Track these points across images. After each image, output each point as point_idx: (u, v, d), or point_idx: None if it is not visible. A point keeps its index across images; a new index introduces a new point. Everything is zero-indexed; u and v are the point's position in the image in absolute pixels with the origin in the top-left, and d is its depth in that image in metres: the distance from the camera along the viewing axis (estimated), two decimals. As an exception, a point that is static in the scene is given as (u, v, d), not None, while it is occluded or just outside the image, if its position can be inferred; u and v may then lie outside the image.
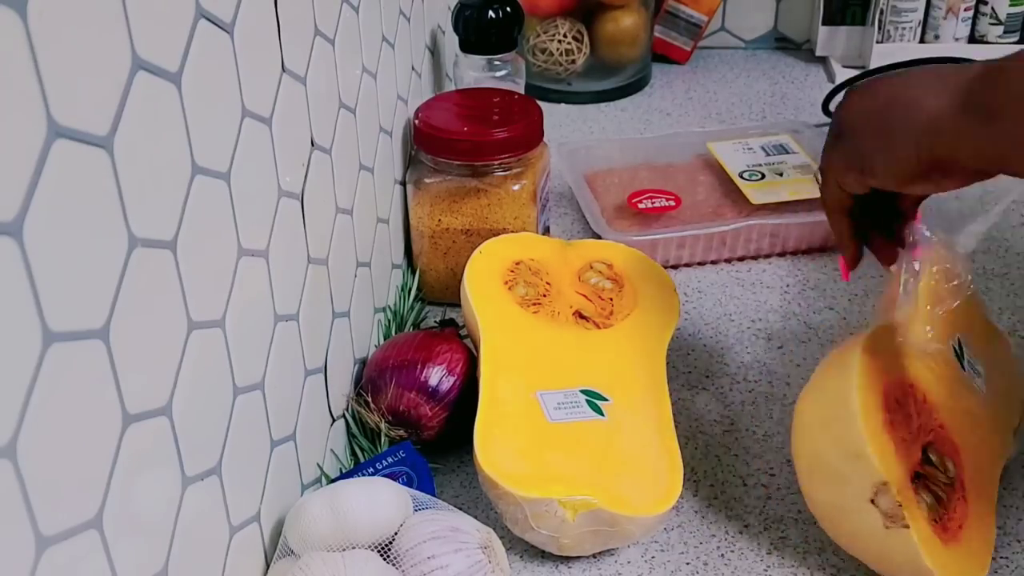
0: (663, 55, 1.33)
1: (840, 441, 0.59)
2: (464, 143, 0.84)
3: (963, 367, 0.66)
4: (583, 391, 0.68)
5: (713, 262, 0.94)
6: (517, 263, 0.78)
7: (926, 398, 0.63)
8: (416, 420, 0.70)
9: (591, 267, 0.80)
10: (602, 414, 0.67)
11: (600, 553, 0.65)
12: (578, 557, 0.65)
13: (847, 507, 0.59)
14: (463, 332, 0.78)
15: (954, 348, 0.66)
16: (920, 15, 1.25)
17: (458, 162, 0.84)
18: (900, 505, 0.57)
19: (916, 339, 0.63)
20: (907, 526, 0.57)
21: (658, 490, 0.63)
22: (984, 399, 0.66)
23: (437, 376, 0.71)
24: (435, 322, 0.81)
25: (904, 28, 1.25)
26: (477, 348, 0.73)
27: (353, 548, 0.57)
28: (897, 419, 0.60)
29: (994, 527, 0.63)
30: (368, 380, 0.72)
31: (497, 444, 0.64)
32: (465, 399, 0.70)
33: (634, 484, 0.63)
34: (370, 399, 0.71)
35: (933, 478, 0.61)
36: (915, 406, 0.62)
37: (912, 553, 0.57)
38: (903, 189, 0.62)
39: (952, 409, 0.64)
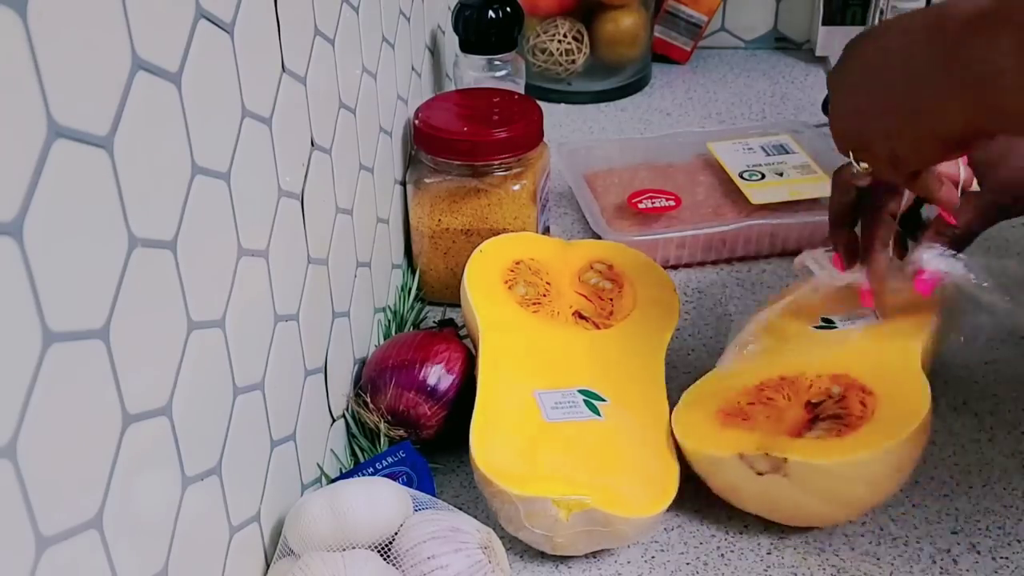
0: (663, 55, 1.33)
1: (707, 469, 0.66)
2: (464, 143, 0.84)
3: (835, 327, 0.73)
4: (581, 391, 0.68)
5: (713, 262, 0.94)
6: (517, 263, 0.78)
7: (782, 377, 0.69)
8: (415, 420, 0.70)
9: (591, 267, 0.80)
10: (599, 414, 0.67)
11: (600, 553, 0.65)
12: (578, 557, 0.65)
13: (760, 492, 0.64)
14: (462, 332, 0.78)
15: (818, 327, 0.73)
16: (920, 15, 1.25)
17: (458, 162, 0.84)
18: (766, 453, 0.62)
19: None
20: (785, 459, 0.61)
21: (653, 491, 0.63)
22: (881, 321, 0.72)
23: (436, 375, 0.71)
24: (434, 322, 0.81)
25: (904, 28, 1.25)
26: (476, 347, 0.73)
27: (353, 548, 0.57)
28: (753, 411, 0.67)
29: (919, 382, 0.65)
30: (367, 380, 0.72)
31: (493, 442, 0.64)
32: (464, 398, 0.70)
33: (629, 485, 0.63)
34: (369, 399, 0.71)
35: (823, 411, 0.66)
36: (773, 390, 0.68)
37: (813, 468, 0.61)
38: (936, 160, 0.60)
39: (823, 357, 0.70)
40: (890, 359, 0.68)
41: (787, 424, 0.65)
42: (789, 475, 0.62)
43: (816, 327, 0.74)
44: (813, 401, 0.67)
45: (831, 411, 0.65)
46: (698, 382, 0.72)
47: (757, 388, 0.69)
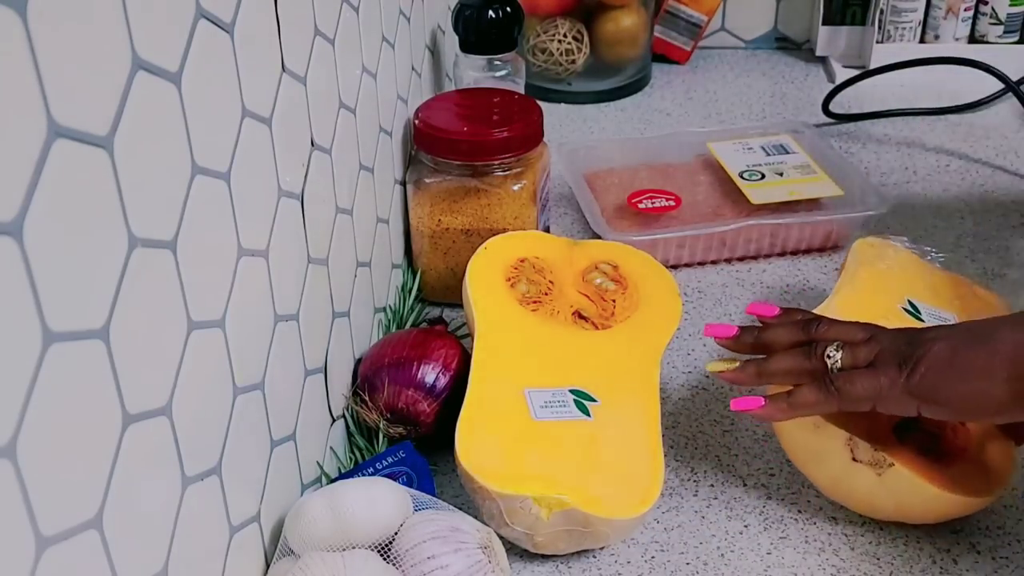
0: (663, 55, 1.33)
1: (801, 423, 0.65)
2: (464, 143, 0.84)
3: (922, 320, 0.72)
4: (572, 391, 0.68)
5: (713, 262, 0.94)
6: (521, 260, 0.78)
7: None
8: (414, 417, 0.70)
9: (596, 267, 0.79)
10: (588, 415, 0.67)
11: (600, 553, 0.65)
12: (578, 557, 0.65)
13: (842, 474, 0.64)
14: (461, 331, 0.78)
15: (905, 310, 0.72)
16: (920, 15, 1.25)
17: (458, 162, 0.84)
18: (876, 449, 0.62)
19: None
20: (891, 464, 0.61)
21: (635, 494, 0.63)
22: None
23: (433, 373, 0.71)
24: (426, 322, 0.81)
25: (904, 28, 1.25)
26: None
27: (353, 548, 0.57)
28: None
29: (1004, 438, 0.65)
30: (364, 379, 0.72)
31: (478, 439, 0.64)
32: (462, 396, 0.70)
33: (612, 486, 0.63)
34: (367, 397, 0.71)
35: (920, 420, 0.63)
36: None
37: (912, 483, 0.61)
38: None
39: None
40: None
41: (886, 415, 0.63)
42: (883, 476, 0.62)
43: (904, 308, 0.73)
44: None
45: (926, 425, 0.65)
46: None
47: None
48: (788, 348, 0.64)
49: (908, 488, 0.62)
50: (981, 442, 0.65)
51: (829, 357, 0.61)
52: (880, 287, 0.75)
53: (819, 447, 0.65)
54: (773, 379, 0.64)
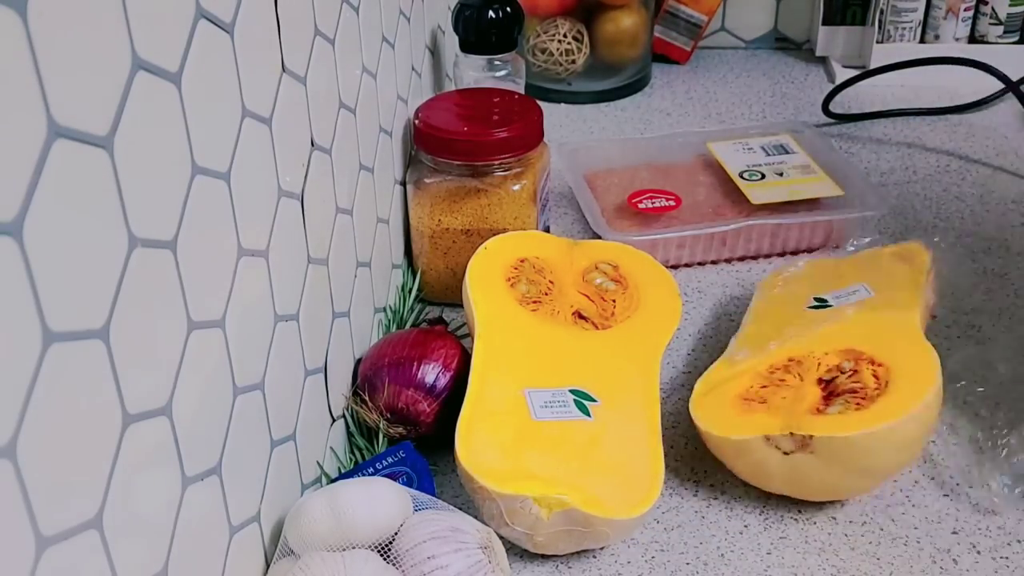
0: (663, 55, 1.33)
1: (732, 454, 0.68)
2: (464, 143, 0.84)
3: (830, 305, 0.76)
4: (572, 391, 0.68)
5: (713, 262, 0.94)
6: (522, 260, 0.78)
7: (790, 358, 0.71)
8: (415, 416, 0.70)
9: (596, 267, 0.80)
10: (588, 415, 0.67)
11: (600, 553, 0.65)
12: (578, 557, 0.65)
13: (788, 471, 0.65)
14: (461, 330, 0.78)
15: (811, 307, 0.77)
16: (920, 15, 1.25)
17: (458, 162, 0.84)
18: (791, 433, 0.64)
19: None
20: (811, 436, 0.63)
21: (635, 493, 0.63)
22: (873, 296, 0.76)
23: (433, 373, 0.71)
24: (426, 322, 0.81)
25: (904, 28, 1.25)
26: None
27: (353, 548, 0.57)
28: (767, 394, 0.69)
29: (927, 351, 0.68)
30: (364, 379, 0.72)
31: (478, 439, 0.64)
32: (462, 396, 0.70)
33: (612, 486, 0.63)
34: (367, 397, 0.71)
35: (837, 386, 0.68)
36: (784, 371, 0.70)
37: (839, 442, 0.63)
38: None
39: (828, 334, 0.72)
40: (892, 330, 0.71)
41: (805, 403, 0.67)
42: (816, 451, 0.63)
43: (810, 307, 0.77)
44: (825, 378, 0.69)
45: (846, 386, 0.67)
46: (707, 372, 0.74)
47: (768, 372, 0.71)
48: None
49: (840, 448, 0.63)
50: (902, 371, 0.66)
51: None
52: (780, 306, 0.79)
53: (754, 462, 0.66)
54: None
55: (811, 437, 0.63)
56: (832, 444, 0.63)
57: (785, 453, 0.65)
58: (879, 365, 0.68)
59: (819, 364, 0.70)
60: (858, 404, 0.65)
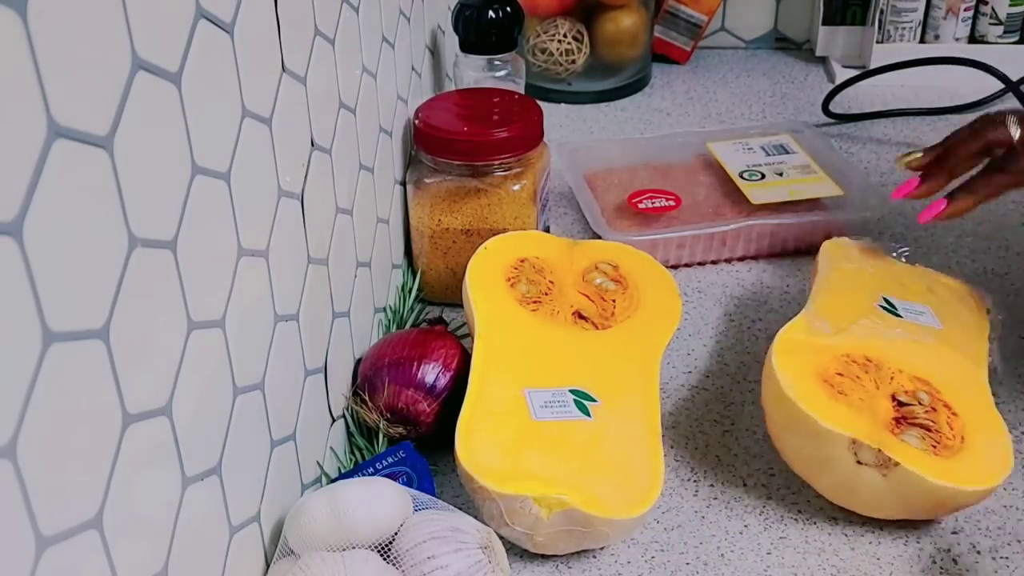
0: (663, 55, 1.33)
1: (800, 432, 0.65)
2: (464, 143, 0.84)
3: (899, 315, 0.74)
4: (572, 391, 0.68)
5: (713, 262, 0.94)
6: (522, 260, 0.78)
7: (868, 358, 0.69)
8: (414, 416, 0.70)
9: (596, 267, 0.80)
10: (588, 415, 0.67)
11: (600, 553, 0.65)
12: (578, 557, 0.65)
13: (847, 478, 0.64)
14: (461, 330, 0.78)
15: (882, 307, 0.75)
16: (920, 15, 1.25)
17: (458, 162, 0.84)
18: (880, 450, 0.62)
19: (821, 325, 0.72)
20: (897, 463, 0.62)
21: (635, 493, 0.63)
22: (942, 328, 0.74)
23: (433, 373, 0.71)
24: (426, 322, 0.81)
25: (904, 28, 1.25)
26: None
27: (353, 548, 0.57)
28: (845, 386, 0.67)
29: (999, 420, 0.67)
30: (364, 379, 0.72)
31: (478, 439, 0.64)
32: (462, 396, 0.70)
33: (612, 486, 0.63)
34: (367, 397, 0.71)
35: (912, 415, 0.66)
36: (860, 369, 0.69)
37: (918, 481, 0.62)
38: None
39: (904, 350, 0.71)
40: (965, 380, 0.70)
41: (879, 414, 0.65)
42: (888, 476, 0.63)
43: (881, 306, 0.75)
44: (900, 399, 0.67)
45: (922, 419, 0.66)
46: (788, 327, 0.71)
47: (845, 360, 0.69)
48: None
49: (914, 485, 0.62)
50: (976, 432, 0.66)
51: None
52: (855, 286, 0.77)
53: (821, 454, 0.64)
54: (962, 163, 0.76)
55: (897, 464, 0.62)
56: (910, 478, 0.62)
57: (859, 462, 0.63)
58: (954, 414, 0.67)
59: (892, 378, 0.68)
60: (934, 446, 0.64)
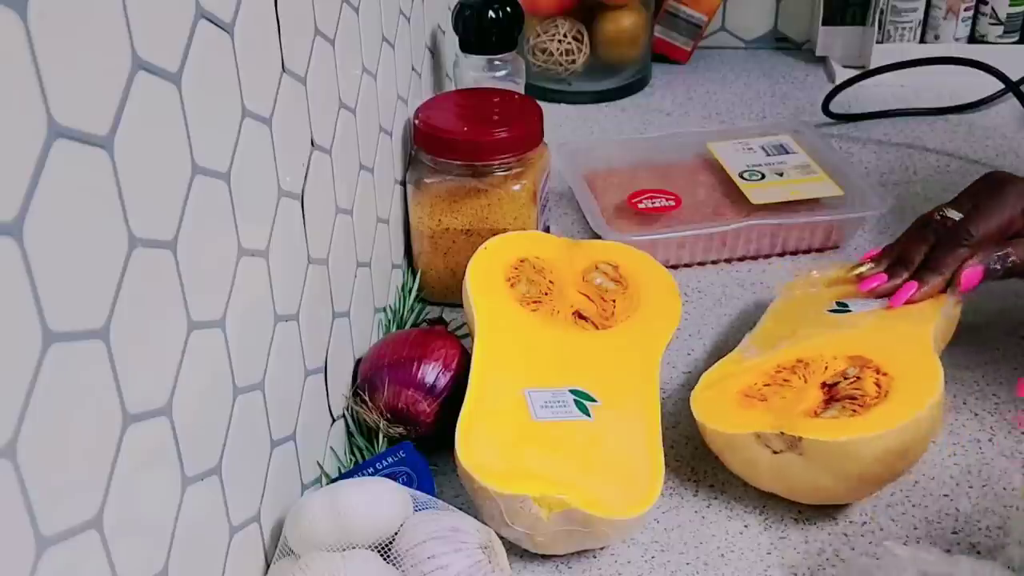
0: (663, 55, 1.33)
1: (722, 446, 0.68)
2: (464, 143, 0.84)
3: (851, 311, 0.76)
4: (572, 391, 0.68)
5: (713, 262, 0.94)
6: (522, 260, 0.78)
7: (799, 359, 0.71)
8: (414, 417, 0.70)
9: (596, 268, 0.80)
10: (588, 415, 0.67)
11: (600, 553, 0.65)
12: (578, 557, 0.65)
13: (775, 470, 0.65)
14: (461, 330, 0.78)
15: (832, 310, 0.77)
16: (920, 15, 1.25)
17: (458, 162, 0.84)
18: (782, 432, 0.64)
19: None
20: (800, 437, 0.63)
21: (635, 493, 0.63)
22: (891, 311, 0.76)
23: (433, 373, 0.71)
24: (426, 322, 0.81)
25: (904, 28, 1.25)
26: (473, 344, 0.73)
27: (353, 548, 0.57)
28: (768, 393, 0.69)
29: (932, 367, 0.68)
30: (364, 379, 0.72)
31: (478, 439, 0.64)
32: (462, 396, 0.70)
33: (612, 486, 0.63)
34: (367, 397, 0.71)
35: (841, 391, 0.68)
36: (790, 372, 0.70)
37: (825, 446, 0.63)
38: None
39: (840, 339, 0.72)
40: (904, 341, 0.71)
41: (804, 405, 0.67)
42: (804, 453, 0.63)
43: (831, 311, 0.77)
44: (829, 382, 0.69)
45: (847, 392, 0.67)
46: (717, 364, 0.74)
47: (775, 371, 0.71)
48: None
49: (826, 451, 0.63)
50: (903, 383, 0.66)
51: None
52: (799, 307, 0.79)
53: (743, 457, 0.67)
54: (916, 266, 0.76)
55: (800, 439, 0.63)
56: (819, 447, 0.63)
57: (774, 452, 0.65)
58: (883, 375, 0.67)
59: (826, 368, 0.70)
60: (854, 411, 0.65)
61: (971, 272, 0.75)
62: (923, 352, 0.70)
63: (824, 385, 0.68)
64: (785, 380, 0.70)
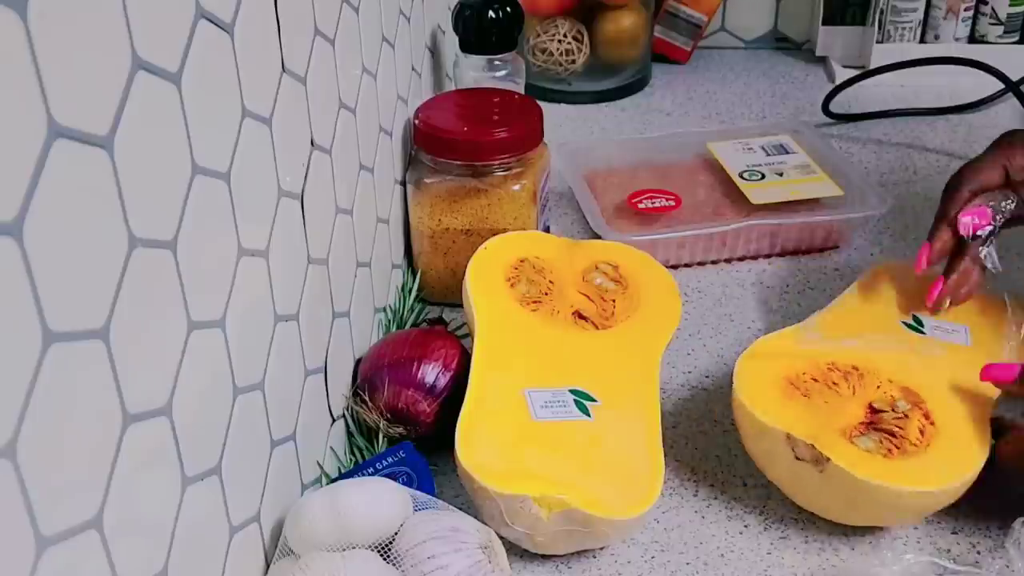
0: (663, 55, 1.33)
1: (746, 425, 0.67)
2: (464, 143, 0.84)
3: (923, 332, 0.74)
4: (572, 391, 0.68)
5: (713, 262, 0.94)
6: (522, 260, 0.78)
7: (855, 367, 0.69)
8: (414, 417, 0.70)
9: (596, 268, 0.79)
10: (588, 415, 0.67)
11: (600, 553, 0.65)
12: (578, 557, 0.65)
13: (789, 472, 0.65)
14: (461, 330, 0.78)
15: (907, 324, 0.75)
16: (920, 15, 1.25)
17: (458, 162, 0.84)
18: (813, 446, 0.62)
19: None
20: (828, 459, 0.62)
21: (635, 493, 0.63)
22: (969, 346, 0.74)
23: (433, 373, 0.71)
24: (426, 322, 0.81)
25: (904, 28, 1.25)
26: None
27: (353, 548, 0.57)
28: (812, 389, 0.67)
29: (981, 435, 0.65)
30: (364, 379, 0.72)
31: (479, 439, 0.64)
32: (462, 396, 0.70)
33: (612, 486, 0.63)
34: (367, 397, 0.71)
35: (880, 420, 0.66)
36: (841, 376, 0.69)
37: (847, 477, 0.61)
38: None
39: (903, 363, 0.70)
40: (963, 395, 0.68)
41: (844, 420, 0.65)
42: (825, 472, 0.62)
43: (905, 323, 0.75)
44: (876, 406, 0.67)
45: (889, 425, 0.65)
46: (775, 334, 0.73)
47: (827, 368, 0.69)
48: None
49: (845, 482, 0.62)
50: (948, 441, 0.65)
51: None
52: (877, 304, 0.77)
53: (763, 448, 0.66)
54: None
55: (828, 459, 0.62)
56: (842, 476, 0.61)
57: (798, 459, 0.64)
58: (931, 423, 0.65)
59: (878, 387, 0.68)
60: (888, 451, 0.64)
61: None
62: (979, 415, 0.66)
63: (871, 406, 0.67)
64: (834, 383, 0.68)
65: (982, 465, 0.64)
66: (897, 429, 0.65)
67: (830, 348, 0.71)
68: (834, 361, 0.70)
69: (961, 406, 0.67)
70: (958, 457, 0.64)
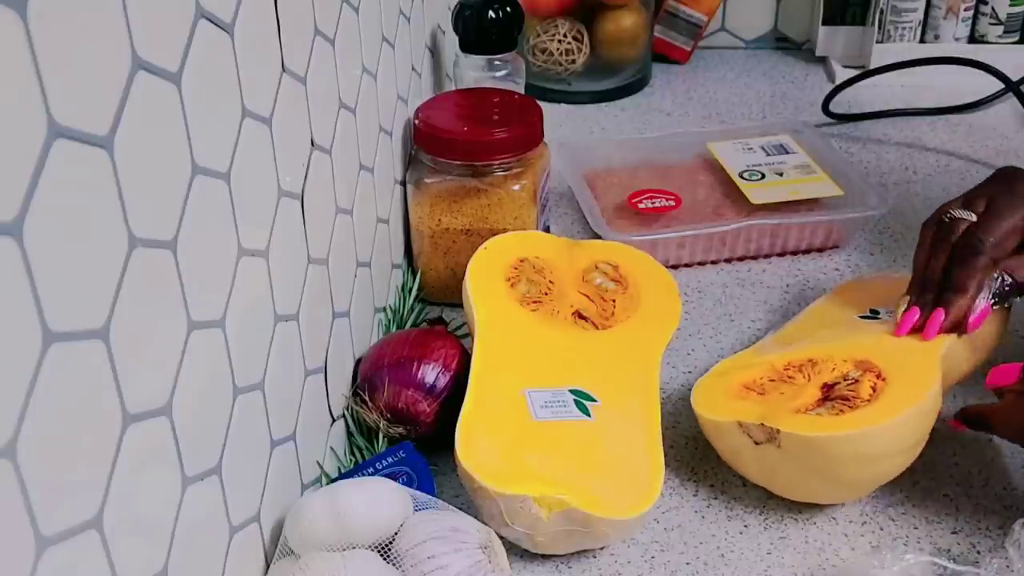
0: (663, 55, 1.33)
1: (711, 432, 0.70)
2: (464, 143, 0.84)
3: (880, 318, 0.75)
4: (572, 391, 0.68)
5: (713, 262, 0.94)
6: (521, 260, 0.78)
7: (810, 359, 0.70)
8: (414, 417, 0.70)
9: (596, 268, 0.80)
10: (588, 415, 0.67)
11: (600, 553, 0.65)
12: (578, 557, 0.65)
13: (756, 460, 0.66)
14: (461, 330, 0.78)
15: (863, 316, 0.76)
16: (920, 15, 1.25)
17: (458, 162, 0.84)
18: (763, 423, 0.64)
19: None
20: (779, 430, 0.63)
21: (635, 493, 0.63)
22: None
23: (433, 373, 0.71)
24: (426, 322, 0.81)
25: (904, 28, 1.25)
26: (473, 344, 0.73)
27: (353, 548, 0.57)
28: (768, 387, 0.69)
29: (930, 376, 0.67)
30: (364, 379, 0.72)
31: (479, 439, 0.64)
32: (462, 396, 0.70)
33: (612, 486, 0.63)
34: (367, 397, 0.71)
35: (837, 391, 0.67)
36: (796, 370, 0.70)
37: (800, 440, 0.63)
38: None
39: (855, 342, 0.71)
40: (913, 348, 0.69)
41: (798, 401, 0.67)
42: (782, 446, 0.64)
43: (862, 316, 0.76)
44: (830, 383, 0.68)
45: (841, 392, 0.67)
46: (734, 355, 0.76)
47: (784, 367, 0.71)
48: None
49: (801, 445, 0.63)
50: (896, 388, 0.66)
51: None
52: (832, 312, 0.79)
53: (727, 445, 0.68)
54: None
55: (778, 431, 0.64)
56: (794, 441, 0.63)
57: (756, 443, 0.65)
58: (882, 379, 0.67)
59: (833, 369, 0.69)
60: (840, 411, 0.65)
61: (977, 318, 0.70)
62: (926, 359, 0.68)
63: (824, 385, 0.68)
64: (790, 377, 0.70)
65: (929, 398, 0.65)
66: (849, 393, 0.67)
67: (785, 352, 0.72)
68: (789, 361, 0.71)
69: (911, 355, 0.69)
70: (904, 394, 0.65)
